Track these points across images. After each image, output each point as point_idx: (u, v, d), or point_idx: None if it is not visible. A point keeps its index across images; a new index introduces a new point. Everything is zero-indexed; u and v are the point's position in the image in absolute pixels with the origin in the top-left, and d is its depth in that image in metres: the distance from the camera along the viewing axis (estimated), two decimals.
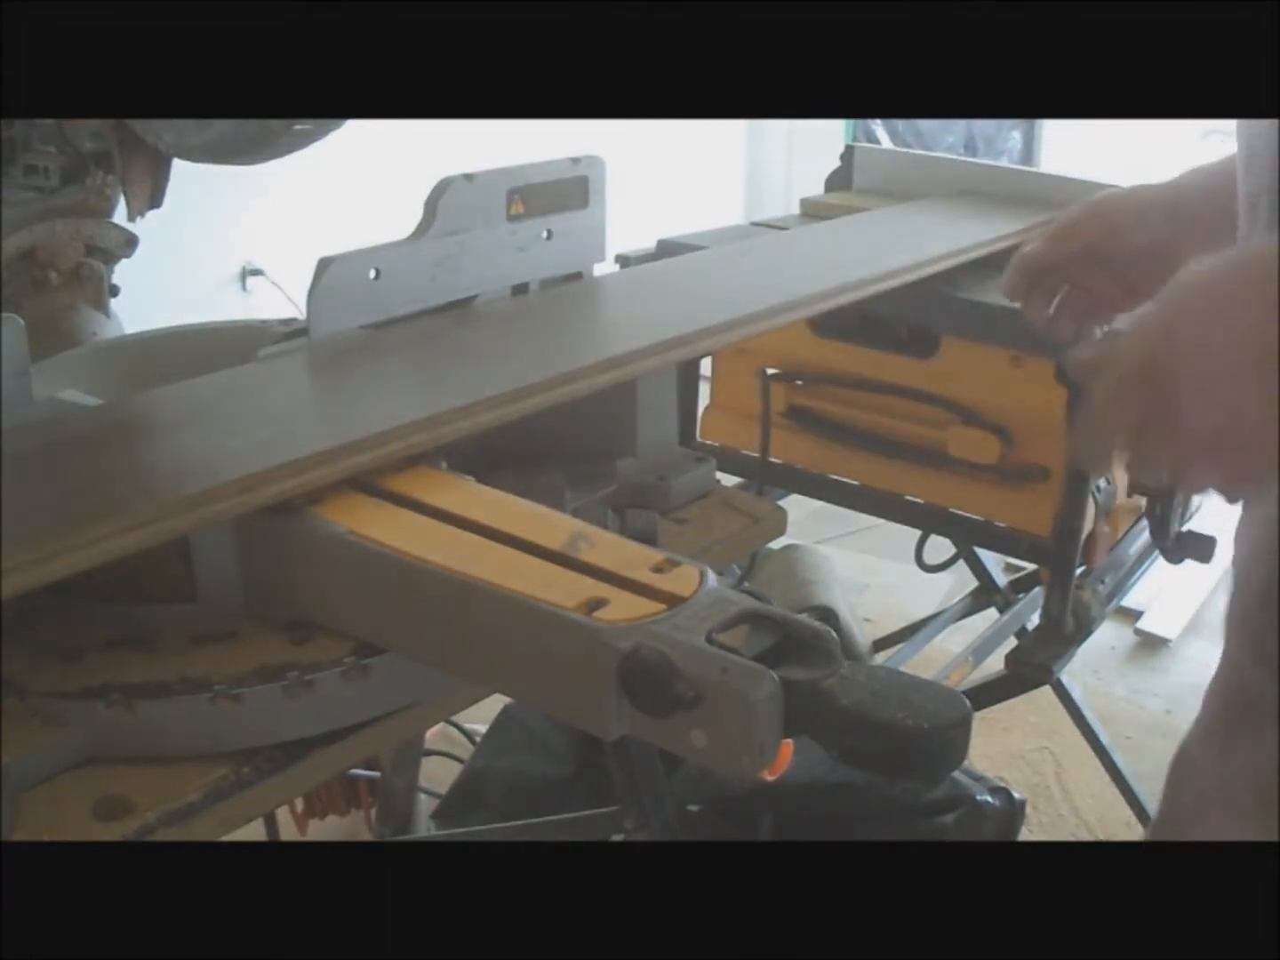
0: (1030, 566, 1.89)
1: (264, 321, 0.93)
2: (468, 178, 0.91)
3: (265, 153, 1.07)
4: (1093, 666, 2.67)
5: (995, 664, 1.51)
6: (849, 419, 1.46)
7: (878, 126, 4.94)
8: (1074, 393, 1.29)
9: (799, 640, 0.57)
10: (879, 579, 2.94)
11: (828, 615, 1.91)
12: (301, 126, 1.02)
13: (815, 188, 1.72)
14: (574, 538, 0.66)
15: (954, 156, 3.92)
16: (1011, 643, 1.59)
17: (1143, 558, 1.53)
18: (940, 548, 1.88)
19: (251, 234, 3.33)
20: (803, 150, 4.70)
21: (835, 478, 1.49)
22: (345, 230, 1.48)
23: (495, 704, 1.80)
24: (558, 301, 0.98)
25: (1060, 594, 1.36)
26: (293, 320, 0.90)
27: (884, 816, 1.47)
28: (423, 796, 1.80)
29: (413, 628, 0.65)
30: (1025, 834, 1.57)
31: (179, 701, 0.64)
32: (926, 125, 4.95)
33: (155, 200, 1.30)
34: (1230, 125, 0.86)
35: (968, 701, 0.56)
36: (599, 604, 0.60)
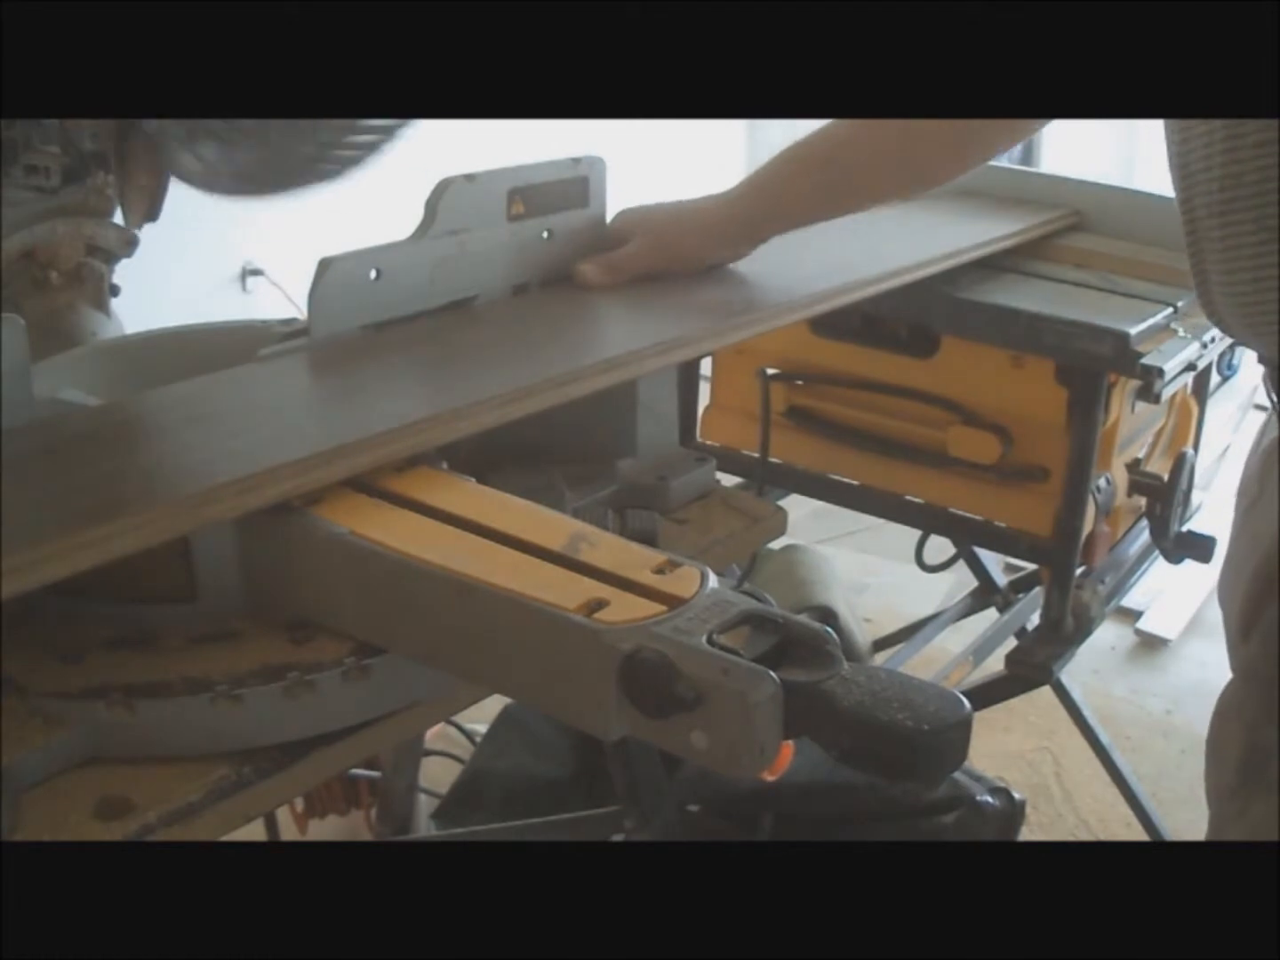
0: (1030, 566, 1.89)
1: (264, 321, 0.93)
2: (468, 178, 0.91)
3: (293, 184, 1.07)
4: (1093, 666, 2.67)
5: (995, 664, 1.51)
6: (849, 419, 1.46)
7: None
8: (1074, 393, 1.29)
9: (799, 641, 0.57)
10: (879, 579, 2.94)
11: (828, 615, 1.91)
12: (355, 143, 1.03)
13: None
14: (574, 538, 0.66)
15: None
16: (1011, 643, 1.60)
17: (1143, 558, 1.53)
18: (940, 548, 1.88)
19: (251, 234, 3.32)
20: None
21: (835, 478, 1.49)
22: (345, 230, 1.48)
23: (495, 704, 1.80)
24: (558, 301, 0.98)
25: (1060, 594, 1.37)
26: (293, 320, 0.90)
27: (884, 817, 1.47)
28: (423, 796, 1.80)
29: (413, 628, 0.65)
30: (1025, 834, 1.56)
31: (179, 701, 0.63)
32: None
33: (152, 214, 1.30)
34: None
35: (968, 702, 0.56)
36: (599, 605, 0.59)
